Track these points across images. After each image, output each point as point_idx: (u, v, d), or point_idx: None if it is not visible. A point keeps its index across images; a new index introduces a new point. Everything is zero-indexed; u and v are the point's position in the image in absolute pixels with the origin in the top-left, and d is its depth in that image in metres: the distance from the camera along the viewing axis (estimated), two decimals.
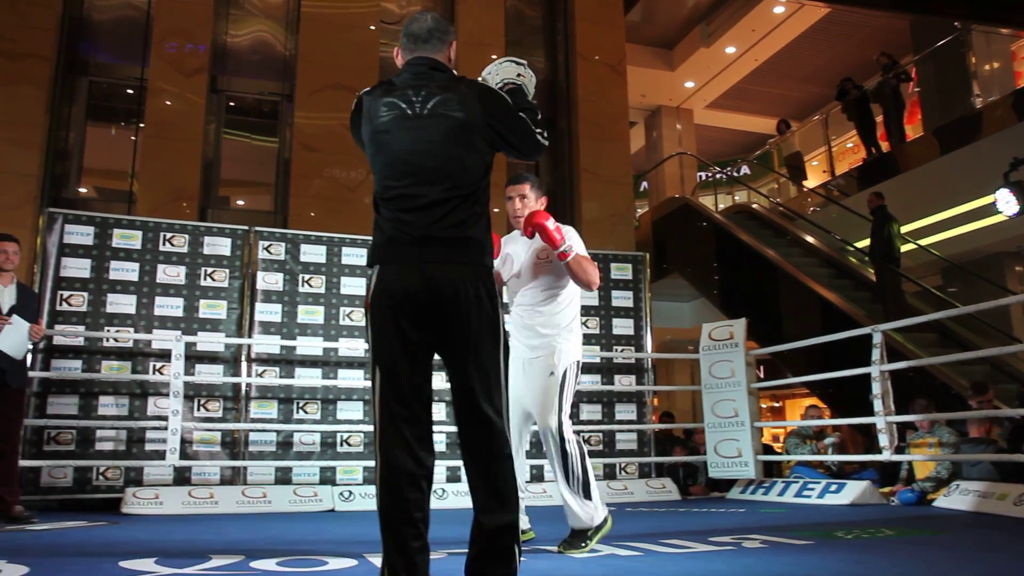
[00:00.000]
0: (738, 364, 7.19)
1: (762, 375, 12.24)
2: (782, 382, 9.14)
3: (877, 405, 6.05)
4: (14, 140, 8.05)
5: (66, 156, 8.72)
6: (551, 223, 3.51)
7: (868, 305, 9.20)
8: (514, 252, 3.81)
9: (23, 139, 8.12)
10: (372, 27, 9.68)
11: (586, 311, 7.76)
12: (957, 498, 5.48)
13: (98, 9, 9.18)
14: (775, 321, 10.06)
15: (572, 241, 3.62)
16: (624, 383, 7.79)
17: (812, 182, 13.72)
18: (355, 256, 7.16)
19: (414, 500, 2.17)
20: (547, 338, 3.70)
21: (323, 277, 7.04)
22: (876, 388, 6.06)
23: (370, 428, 6.62)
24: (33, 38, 8.37)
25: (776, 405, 19.21)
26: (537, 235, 3.61)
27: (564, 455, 3.54)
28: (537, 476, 7.21)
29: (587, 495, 3.58)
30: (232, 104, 9.59)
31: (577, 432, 3.75)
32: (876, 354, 6.11)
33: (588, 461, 3.60)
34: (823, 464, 7.35)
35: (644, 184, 17.42)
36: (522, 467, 3.85)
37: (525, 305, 3.78)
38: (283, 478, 6.63)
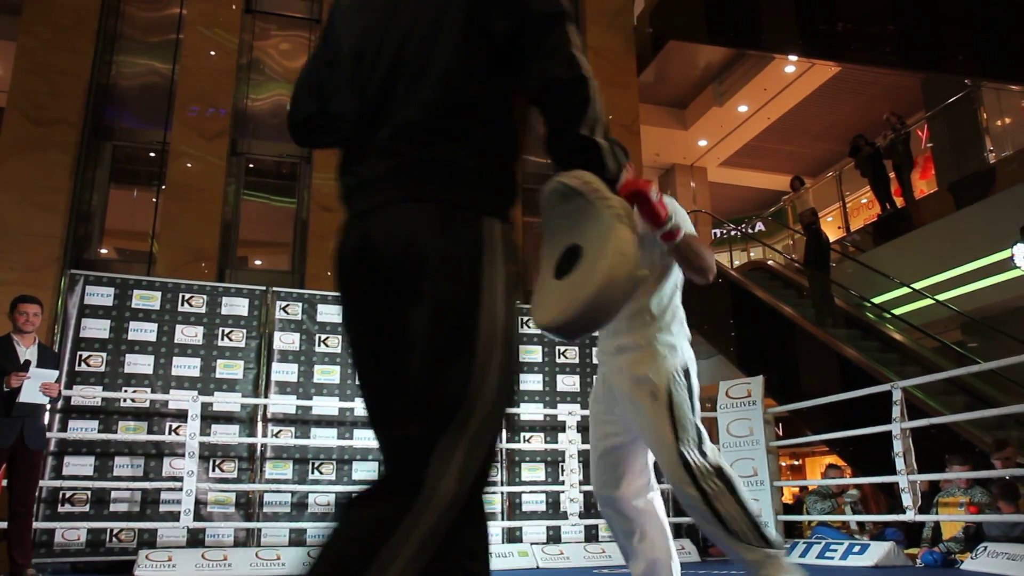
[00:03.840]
0: (756, 422, 7.12)
1: (781, 433, 12.07)
2: (801, 440, 9.01)
3: (899, 463, 5.96)
4: (40, 203, 8.22)
5: (89, 218, 8.88)
6: (654, 192, 2.42)
7: (896, 367, 9.08)
8: None
9: (48, 203, 8.28)
10: None
11: (593, 370, 7.72)
12: (985, 560, 5.34)
13: (124, 76, 9.44)
14: (793, 378, 9.95)
15: (678, 217, 2.60)
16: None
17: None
18: None
19: None
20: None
21: (339, 337, 7.06)
22: (897, 446, 5.97)
23: None
24: (62, 105, 8.60)
25: (796, 463, 18.90)
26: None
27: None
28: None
29: None
30: (251, 166, 9.76)
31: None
32: (896, 411, 6.04)
33: None
34: (846, 524, 7.21)
35: None
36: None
37: None
38: (297, 540, 6.56)
